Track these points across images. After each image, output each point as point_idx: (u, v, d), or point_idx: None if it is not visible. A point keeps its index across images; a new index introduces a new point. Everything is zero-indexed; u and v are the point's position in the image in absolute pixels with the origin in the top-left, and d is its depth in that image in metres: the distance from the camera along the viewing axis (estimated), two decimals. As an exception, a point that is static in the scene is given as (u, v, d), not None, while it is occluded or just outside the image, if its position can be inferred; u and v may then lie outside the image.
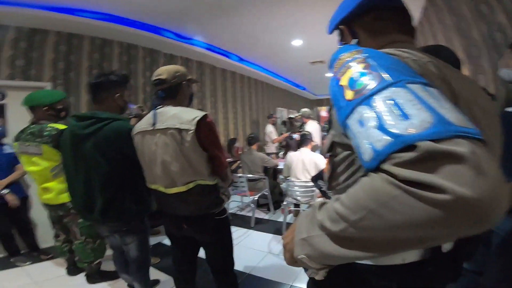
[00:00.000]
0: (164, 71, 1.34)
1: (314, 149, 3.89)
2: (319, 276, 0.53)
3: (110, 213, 1.44)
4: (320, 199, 0.51)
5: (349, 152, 0.59)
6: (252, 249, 2.84)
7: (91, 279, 2.23)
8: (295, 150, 5.31)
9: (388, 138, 0.36)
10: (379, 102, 0.40)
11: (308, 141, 3.32)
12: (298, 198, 3.18)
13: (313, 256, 0.47)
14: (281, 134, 6.56)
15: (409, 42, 0.67)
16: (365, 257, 0.42)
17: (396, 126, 0.36)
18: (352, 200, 0.40)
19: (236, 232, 3.22)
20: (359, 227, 0.38)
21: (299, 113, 5.98)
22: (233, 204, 4.26)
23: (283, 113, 9.62)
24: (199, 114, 1.25)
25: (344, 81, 0.48)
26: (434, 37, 3.46)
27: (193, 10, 3.53)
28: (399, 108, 0.37)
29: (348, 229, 0.39)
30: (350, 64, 0.49)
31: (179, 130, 1.22)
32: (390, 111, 0.38)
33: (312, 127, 5.04)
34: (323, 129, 5.90)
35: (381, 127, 0.37)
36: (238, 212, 4.08)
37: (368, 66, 0.46)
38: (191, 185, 1.27)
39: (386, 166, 0.35)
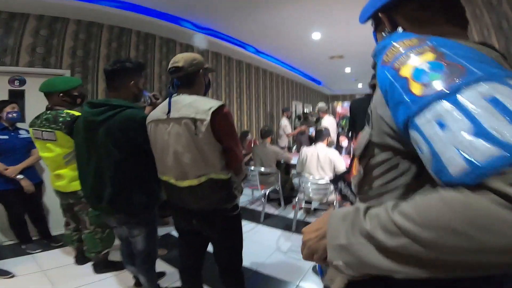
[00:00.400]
0: (180, 59, 1.29)
1: (330, 144, 3.80)
2: (336, 286, 0.49)
3: (118, 204, 1.43)
4: (362, 204, 0.45)
5: (390, 154, 0.53)
6: (260, 245, 2.80)
7: (98, 268, 2.24)
8: (307, 144, 5.29)
9: (497, 148, 0.29)
10: (472, 99, 0.32)
11: (325, 137, 3.22)
12: (311, 195, 3.11)
13: (352, 265, 0.42)
14: (295, 128, 6.47)
15: (463, 36, 0.57)
16: (421, 275, 0.35)
17: (507, 132, 0.29)
18: (424, 216, 0.33)
19: (245, 227, 3.14)
20: (430, 246, 0.32)
21: (316, 108, 5.88)
22: (243, 198, 4.24)
23: (298, 107, 9.49)
24: (215, 104, 1.20)
25: (405, 72, 0.40)
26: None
27: (212, 0, 3.47)
28: (505, 109, 0.30)
29: (412, 246, 0.34)
30: (413, 52, 0.42)
31: (194, 120, 1.17)
32: (492, 112, 0.30)
33: (328, 122, 4.94)
34: (338, 125, 5.78)
35: (482, 133, 0.30)
36: (248, 206, 4.05)
37: (441, 55, 0.39)
38: (203, 179, 1.22)
39: (498, 184, 0.28)
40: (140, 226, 1.55)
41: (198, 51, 4.92)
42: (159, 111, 1.32)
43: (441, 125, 0.33)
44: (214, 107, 1.17)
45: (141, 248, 1.59)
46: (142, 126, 1.37)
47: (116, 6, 3.31)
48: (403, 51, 0.44)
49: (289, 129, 5.98)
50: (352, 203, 0.80)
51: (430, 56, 0.39)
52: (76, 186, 1.88)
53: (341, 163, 3.09)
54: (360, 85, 10.87)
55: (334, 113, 11.57)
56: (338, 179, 0.85)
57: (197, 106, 1.20)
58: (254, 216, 3.55)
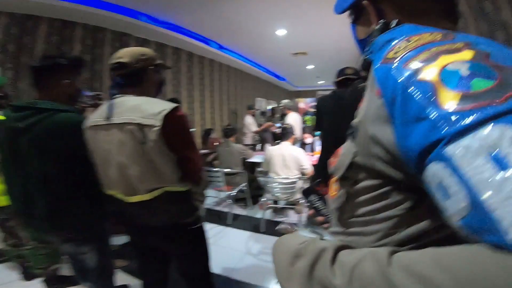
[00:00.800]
0: (125, 54, 1.10)
1: (294, 142, 3.81)
2: None
3: (55, 221, 1.21)
4: (329, 243, 0.36)
5: (380, 181, 0.42)
6: (230, 249, 2.69)
7: (50, 284, 1.99)
8: (272, 143, 5.30)
9: None
10: None
11: (290, 135, 3.19)
12: (278, 194, 3.08)
13: None
14: (260, 125, 6.43)
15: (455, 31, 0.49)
16: None
17: None
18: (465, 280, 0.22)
19: (212, 230, 3.05)
20: None
21: (281, 104, 5.89)
22: (209, 200, 4.08)
23: (262, 104, 9.48)
24: (167, 106, 1.02)
25: (430, 73, 0.28)
26: None
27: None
28: None
29: None
30: (440, 47, 0.30)
31: (141, 126, 0.98)
32: None
33: (293, 119, 4.96)
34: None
35: None
36: (214, 208, 3.92)
37: (484, 55, 0.27)
38: (156, 193, 1.05)
39: None
40: (88, 243, 1.34)
41: (156, 45, 4.61)
42: (98, 115, 1.11)
43: (499, 162, 0.21)
44: (165, 110, 1.00)
45: (94, 265, 1.38)
46: (78, 132, 1.15)
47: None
48: (424, 45, 0.31)
49: (254, 127, 5.91)
50: (324, 216, 0.73)
51: (467, 54, 0.27)
52: (4, 201, 1.61)
53: (307, 161, 3.11)
54: (322, 82, 11.19)
55: (297, 110, 11.80)
56: (309, 191, 0.77)
57: (144, 109, 1.01)
58: (221, 218, 3.42)
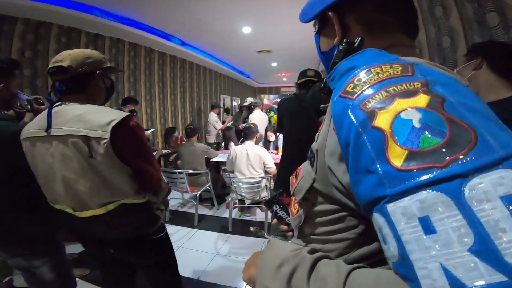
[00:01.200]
0: (66, 56, 0.98)
1: (258, 139, 3.84)
2: None
3: None
4: (308, 255, 0.38)
5: (336, 207, 0.44)
6: (198, 251, 2.66)
7: None
8: (236, 141, 5.29)
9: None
10: (483, 196, 0.22)
11: (254, 135, 3.22)
12: (243, 194, 3.10)
13: None
14: (224, 122, 6.39)
15: (413, 47, 0.49)
16: None
17: None
18: None
19: (179, 233, 2.99)
20: None
21: (247, 102, 5.89)
22: (173, 202, 3.98)
23: (226, 101, 9.41)
24: (117, 115, 0.92)
25: (383, 121, 0.28)
26: None
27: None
28: None
29: None
30: (397, 88, 0.30)
31: (86, 139, 0.89)
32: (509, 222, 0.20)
33: (259, 116, 5.00)
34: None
35: (498, 258, 0.20)
36: (179, 209, 3.83)
37: (440, 101, 0.27)
38: (111, 206, 0.98)
39: None
40: (40, 257, 1.25)
41: (111, 41, 4.31)
42: (35, 125, 0.99)
43: (427, 227, 0.23)
44: (115, 120, 0.90)
45: (50, 278, 1.28)
46: (14, 144, 1.04)
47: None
48: (383, 81, 0.31)
49: (218, 125, 5.85)
50: (288, 225, 0.74)
51: (422, 100, 0.27)
52: None
53: (271, 160, 3.17)
54: (285, 79, 11.40)
55: (261, 105, 11.92)
56: (272, 202, 0.79)
57: (90, 119, 0.91)
58: (187, 220, 3.36)
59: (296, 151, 1.83)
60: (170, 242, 1.30)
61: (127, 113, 0.97)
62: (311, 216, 0.50)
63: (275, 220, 0.81)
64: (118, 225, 1.04)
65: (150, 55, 5.28)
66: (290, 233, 0.73)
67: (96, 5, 3.49)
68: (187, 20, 4.18)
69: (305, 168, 0.52)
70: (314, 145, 0.48)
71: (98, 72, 1.06)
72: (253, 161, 3.07)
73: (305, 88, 1.98)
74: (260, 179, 3.00)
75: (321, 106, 0.54)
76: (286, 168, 1.91)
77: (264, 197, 3.14)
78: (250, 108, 5.79)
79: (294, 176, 0.56)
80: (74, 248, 2.43)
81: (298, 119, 1.84)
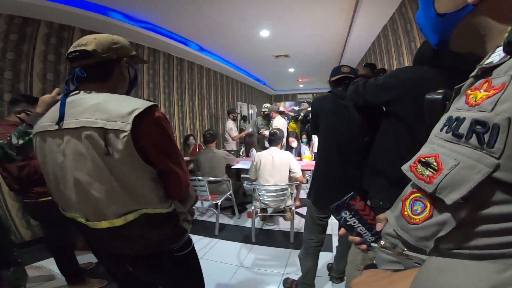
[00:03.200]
0: (90, 41, 0.85)
1: (282, 146, 3.69)
2: None
3: None
4: None
5: None
6: (221, 263, 2.49)
7: None
8: (257, 148, 5.13)
9: None
10: None
11: (279, 141, 3.08)
12: (267, 202, 2.92)
13: None
14: (242, 130, 6.26)
15: None
16: None
17: None
18: None
19: (199, 243, 2.84)
20: None
21: (265, 108, 5.77)
22: (193, 209, 3.83)
23: (243, 108, 9.35)
24: (140, 104, 0.77)
25: None
26: (388, 52, 4.04)
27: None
28: None
29: None
30: None
31: (104, 131, 0.74)
32: None
33: (280, 123, 4.87)
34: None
35: None
36: (199, 218, 3.68)
37: None
38: (131, 217, 0.82)
39: None
40: None
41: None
42: (47, 118, 0.86)
43: None
44: (138, 109, 0.76)
45: None
46: None
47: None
48: None
49: (234, 132, 5.70)
50: (360, 236, 0.63)
51: None
52: None
53: (298, 166, 3.03)
54: (301, 85, 11.25)
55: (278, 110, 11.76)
56: (342, 207, 0.63)
57: (108, 108, 0.77)
58: (207, 229, 3.21)
59: (333, 153, 1.65)
60: (197, 259, 1.13)
61: (153, 102, 0.81)
62: (471, 223, 0.34)
63: (342, 230, 0.67)
64: (138, 239, 0.87)
65: (169, 61, 5.26)
66: (364, 246, 0.63)
67: (117, 9, 3.48)
68: (205, 24, 4.13)
69: (457, 151, 0.36)
70: (487, 116, 0.32)
71: (124, 59, 0.93)
72: (280, 167, 2.92)
73: (341, 85, 1.80)
74: (286, 186, 2.82)
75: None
76: (322, 173, 1.72)
77: (290, 205, 2.96)
78: (268, 115, 5.67)
79: (421, 165, 0.39)
80: (91, 257, 2.32)
81: (336, 118, 1.67)
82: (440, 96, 0.53)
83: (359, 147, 1.59)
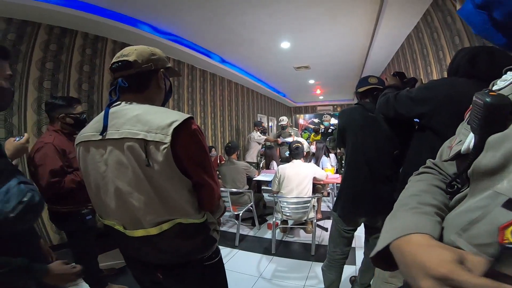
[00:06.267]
0: (132, 51, 0.90)
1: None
2: None
3: None
4: None
5: None
6: (241, 273, 2.47)
7: None
8: (278, 160, 5.10)
9: None
10: None
11: (302, 154, 3.08)
12: (289, 214, 2.88)
13: None
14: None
15: None
16: None
17: None
18: None
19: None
20: None
21: (283, 121, 5.76)
22: (213, 219, 3.84)
23: (262, 120, 9.39)
24: (178, 116, 0.81)
25: None
26: (414, 61, 3.98)
27: (174, 2, 3.13)
28: None
29: None
30: None
31: (144, 143, 0.78)
32: None
33: (295, 133, 4.86)
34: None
35: None
36: (220, 229, 3.67)
37: None
38: (165, 226, 0.85)
39: None
40: None
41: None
42: (91, 128, 0.91)
43: None
44: (177, 121, 0.79)
45: None
46: None
47: (59, 3, 2.79)
48: None
49: (263, 137, 5.60)
50: None
51: None
52: None
53: (322, 172, 3.12)
54: (321, 97, 11.18)
55: (296, 126, 11.71)
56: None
57: (148, 120, 0.80)
58: (227, 239, 3.20)
59: (361, 166, 1.60)
60: (224, 269, 1.13)
61: (189, 115, 0.84)
62: None
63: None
64: (170, 247, 0.89)
65: (192, 72, 5.40)
66: None
67: (145, 21, 3.65)
68: (227, 36, 4.23)
69: None
70: None
71: (161, 70, 0.98)
72: (304, 178, 2.91)
73: (368, 96, 1.76)
74: (309, 198, 2.78)
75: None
76: (349, 185, 1.68)
77: (312, 217, 2.90)
78: (284, 127, 5.65)
79: None
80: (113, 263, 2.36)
81: (365, 131, 1.63)
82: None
83: (388, 160, 1.55)
